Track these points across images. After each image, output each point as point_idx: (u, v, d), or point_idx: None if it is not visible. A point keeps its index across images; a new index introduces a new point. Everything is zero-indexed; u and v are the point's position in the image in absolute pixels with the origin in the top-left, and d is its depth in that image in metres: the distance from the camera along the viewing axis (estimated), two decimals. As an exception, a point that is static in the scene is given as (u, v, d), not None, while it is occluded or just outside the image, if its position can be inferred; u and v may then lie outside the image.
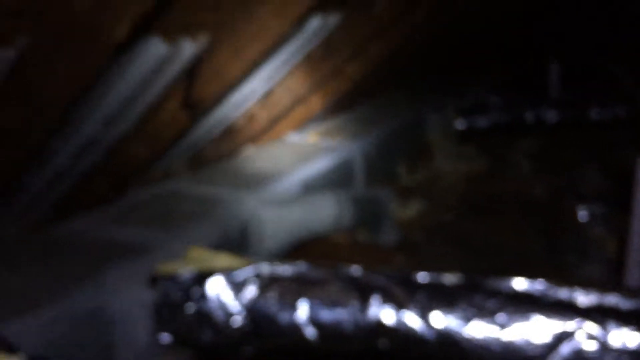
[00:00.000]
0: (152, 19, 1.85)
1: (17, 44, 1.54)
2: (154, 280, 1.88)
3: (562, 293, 1.63)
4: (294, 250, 2.73)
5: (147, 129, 2.48)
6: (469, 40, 5.03)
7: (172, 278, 1.88)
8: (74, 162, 2.34)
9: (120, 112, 2.27)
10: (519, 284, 1.67)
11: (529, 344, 1.60)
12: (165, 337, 1.90)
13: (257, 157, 3.21)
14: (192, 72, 2.37)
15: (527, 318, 1.62)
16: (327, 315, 1.78)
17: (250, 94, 2.97)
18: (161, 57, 2.07)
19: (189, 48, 2.17)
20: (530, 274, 1.71)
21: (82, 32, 1.59)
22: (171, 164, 3.00)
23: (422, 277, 1.76)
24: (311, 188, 3.01)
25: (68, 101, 1.82)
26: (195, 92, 2.47)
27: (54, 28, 1.55)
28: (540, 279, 1.67)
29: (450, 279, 1.74)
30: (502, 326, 1.62)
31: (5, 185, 2.10)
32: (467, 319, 1.64)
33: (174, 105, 2.47)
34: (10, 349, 1.18)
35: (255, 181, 2.80)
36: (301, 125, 3.71)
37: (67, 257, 1.93)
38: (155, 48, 2.02)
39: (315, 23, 2.76)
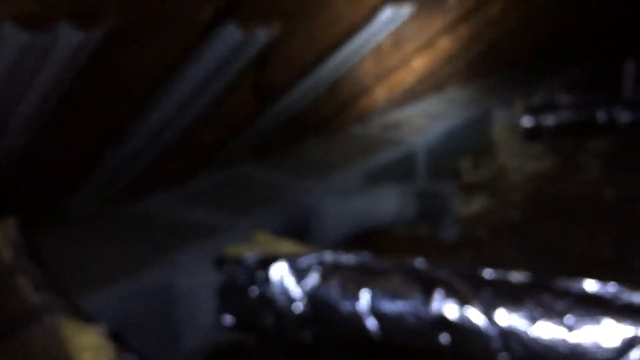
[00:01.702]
0: (229, 5, 1.88)
1: (105, 25, 1.59)
2: (220, 262, 1.93)
3: (635, 297, 1.58)
4: (354, 242, 2.74)
5: (218, 114, 2.53)
6: (541, 36, 4.90)
7: (237, 261, 1.91)
8: (149, 142, 2.42)
9: (194, 96, 2.32)
10: (590, 285, 1.63)
11: (597, 347, 1.55)
12: (228, 319, 1.94)
13: (321, 147, 3.22)
14: (264, 58, 2.39)
15: (597, 321, 1.57)
16: (389, 306, 1.78)
17: (318, 83, 2.98)
18: (236, 43, 2.11)
19: (263, 35, 2.19)
20: (598, 278, 1.66)
21: (169, 14, 1.63)
22: (238, 150, 3.06)
23: (487, 273, 1.73)
24: (374, 180, 3.01)
25: (151, 82, 1.87)
26: (266, 79, 2.50)
27: (140, 9, 1.59)
28: (612, 282, 1.62)
29: (517, 277, 1.71)
30: (571, 328, 1.58)
31: (84, 163, 2.19)
32: (534, 319, 1.61)
33: (245, 92, 2.51)
34: (87, 320, 1.23)
35: (319, 170, 2.82)
36: (365, 116, 3.70)
37: (139, 235, 2.00)
38: (231, 34, 2.05)
39: (387, 13, 2.75)
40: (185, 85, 2.22)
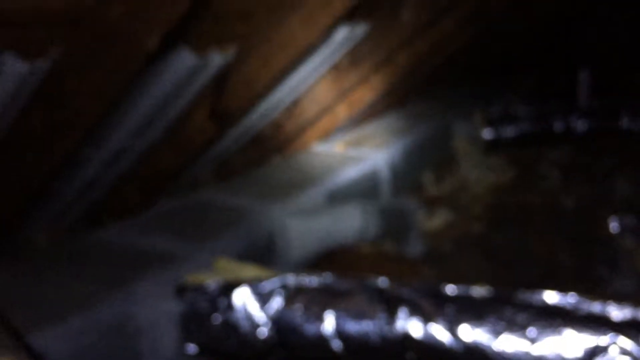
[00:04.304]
0: (182, 30, 1.87)
1: (51, 54, 1.56)
2: (181, 291, 1.89)
3: (595, 307, 1.60)
4: (320, 261, 2.72)
5: (175, 139, 2.51)
6: (497, 49, 4.99)
7: (199, 289, 1.88)
8: (104, 171, 2.38)
9: (150, 122, 2.30)
10: (550, 297, 1.64)
11: (560, 358, 1.56)
12: (192, 348, 1.91)
13: (284, 167, 3.21)
14: (220, 82, 2.38)
15: (558, 332, 1.58)
16: (354, 327, 1.76)
17: (277, 103, 2.98)
18: (190, 67, 2.10)
19: (217, 59, 2.18)
20: (560, 287, 1.67)
21: (115, 42, 1.62)
22: (199, 173, 3.03)
23: (450, 289, 1.74)
24: (337, 198, 3.00)
25: (100, 110, 1.85)
26: (223, 102, 2.49)
27: (87, 38, 1.57)
28: (572, 293, 1.64)
29: (479, 291, 1.71)
30: (533, 340, 1.59)
31: (37, 192, 2.14)
32: (497, 333, 1.61)
33: (202, 115, 2.50)
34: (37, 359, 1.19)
35: (282, 191, 2.80)
36: (328, 135, 3.71)
37: (96, 266, 1.95)
38: (184, 59, 2.04)
39: (342, 33, 2.77)
40: (140, 111, 2.20)
